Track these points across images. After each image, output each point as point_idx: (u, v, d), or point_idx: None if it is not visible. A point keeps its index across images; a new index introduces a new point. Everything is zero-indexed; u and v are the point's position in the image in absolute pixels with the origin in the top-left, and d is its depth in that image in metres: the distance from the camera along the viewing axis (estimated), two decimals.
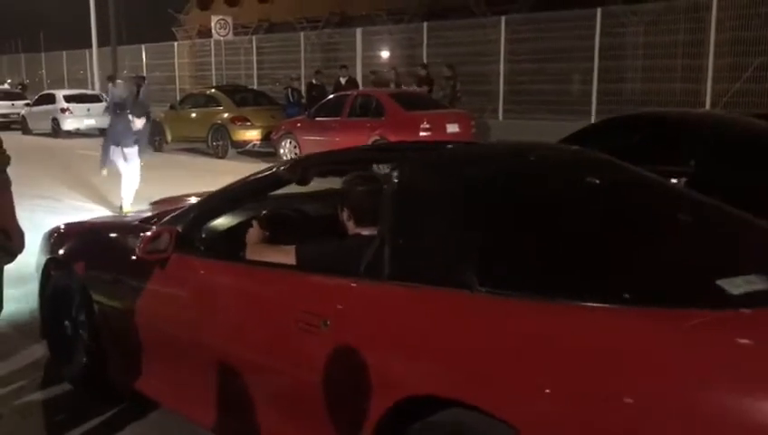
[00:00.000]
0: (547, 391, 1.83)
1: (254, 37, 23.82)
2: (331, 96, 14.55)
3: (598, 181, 2.80)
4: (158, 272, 3.08)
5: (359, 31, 20.36)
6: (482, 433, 1.96)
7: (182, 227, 3.09)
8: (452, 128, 12.63)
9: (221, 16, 22.29)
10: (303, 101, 16.11)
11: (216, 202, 3.27)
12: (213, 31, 21.05)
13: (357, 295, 2.45)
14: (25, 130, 22.49)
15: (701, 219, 2.72)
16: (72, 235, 3.94)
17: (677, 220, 2.70)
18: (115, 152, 8.46)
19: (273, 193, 3.40)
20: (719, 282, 2.03)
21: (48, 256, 3.88)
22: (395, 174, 2.55)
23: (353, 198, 2.86)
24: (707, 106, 13.59)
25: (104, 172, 8.64)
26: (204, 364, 2.94)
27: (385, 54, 21.11)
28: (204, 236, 3.19)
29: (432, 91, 15.58)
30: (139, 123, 8.29)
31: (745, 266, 2.18)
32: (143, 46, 27.05)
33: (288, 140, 14.17)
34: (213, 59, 23.92)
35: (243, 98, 16.52)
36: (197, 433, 3.12)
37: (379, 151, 3.78)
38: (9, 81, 31.48)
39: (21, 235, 2.81)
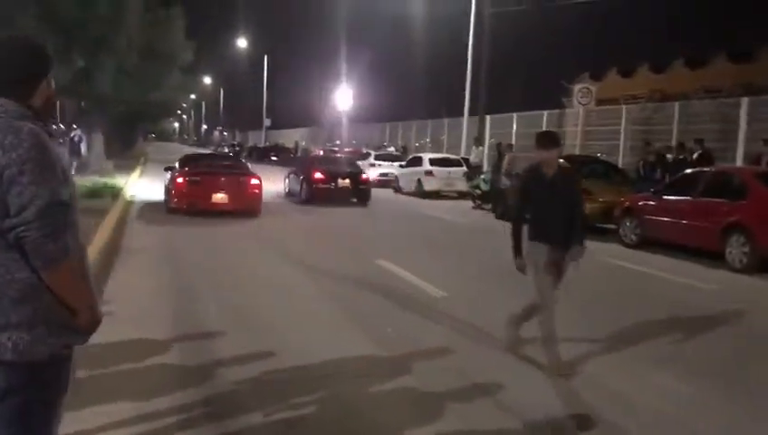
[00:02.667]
0: None
1: (624, 107, 22.30)
2: (688, 171, 12.47)
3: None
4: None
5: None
6: None
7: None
8: None
9: (585, 85, 21.38)
10: (658, 176, 14.22)
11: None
12: (575, 100, 20.25)
13: None
14: (397, 189, 24.45)
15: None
16: None
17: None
18: None
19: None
20: None
21: None
22: None
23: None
24: None
25: None
26: None
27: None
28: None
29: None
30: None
31: None
32: (514, 115, 27.47)
33: (629, 219, 12.50)
34: (579, 128, 23.04)
35: (591, 169, 15.26)
36: None
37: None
38: (386, 142, 35.10)
39: (90, 309, 2.30)
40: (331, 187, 18.61)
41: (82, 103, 29.99)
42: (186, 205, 14.31)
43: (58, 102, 39.03)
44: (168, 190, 15.19)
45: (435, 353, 5.52)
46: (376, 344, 5.75)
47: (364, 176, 19.65)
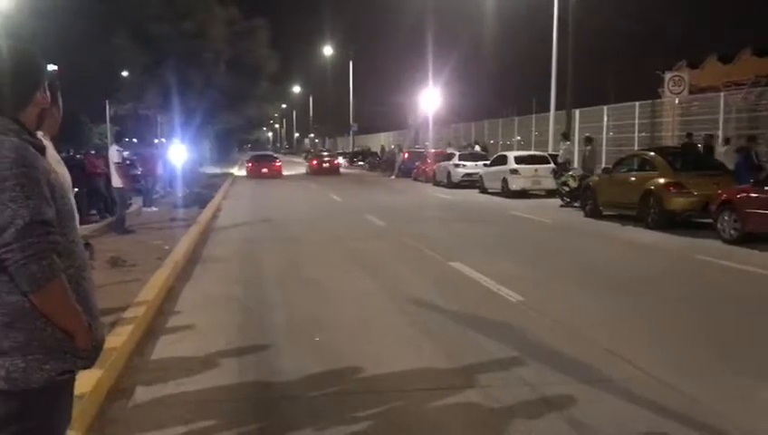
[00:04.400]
0: None
1: (721, 94, 20.88)
2: None
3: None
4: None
5: None
6: None
7: None
8: None
9: (676, 73, 20.14)
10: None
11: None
12: (666, 89, 19.11)
13: None
14: (482, 189, 23.97)
15: None
16: None
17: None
18: None
19: None
20: None
21: None
22: None
23: None
24: None
25: None
26: None
27: None
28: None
29: None
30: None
31: None
32: (604, 108, 26.40)
33: (727, 213, 11.62)
34: (672, 119, 21.83)
35: (685, 162, 14.32)
36: None
37: None
38: (472, 141, 34.50)
39: (87, 331, 2.16)
40: (320, 167, 41.08)
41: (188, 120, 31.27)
42: (251, 173, 37.03)
43: (151, 117, 41.02)
44: (246, 169, 38.95)
45: (504, 365, 5.19)
46: (443, 354, 5.48)
47: (336, 161, 43.30)
